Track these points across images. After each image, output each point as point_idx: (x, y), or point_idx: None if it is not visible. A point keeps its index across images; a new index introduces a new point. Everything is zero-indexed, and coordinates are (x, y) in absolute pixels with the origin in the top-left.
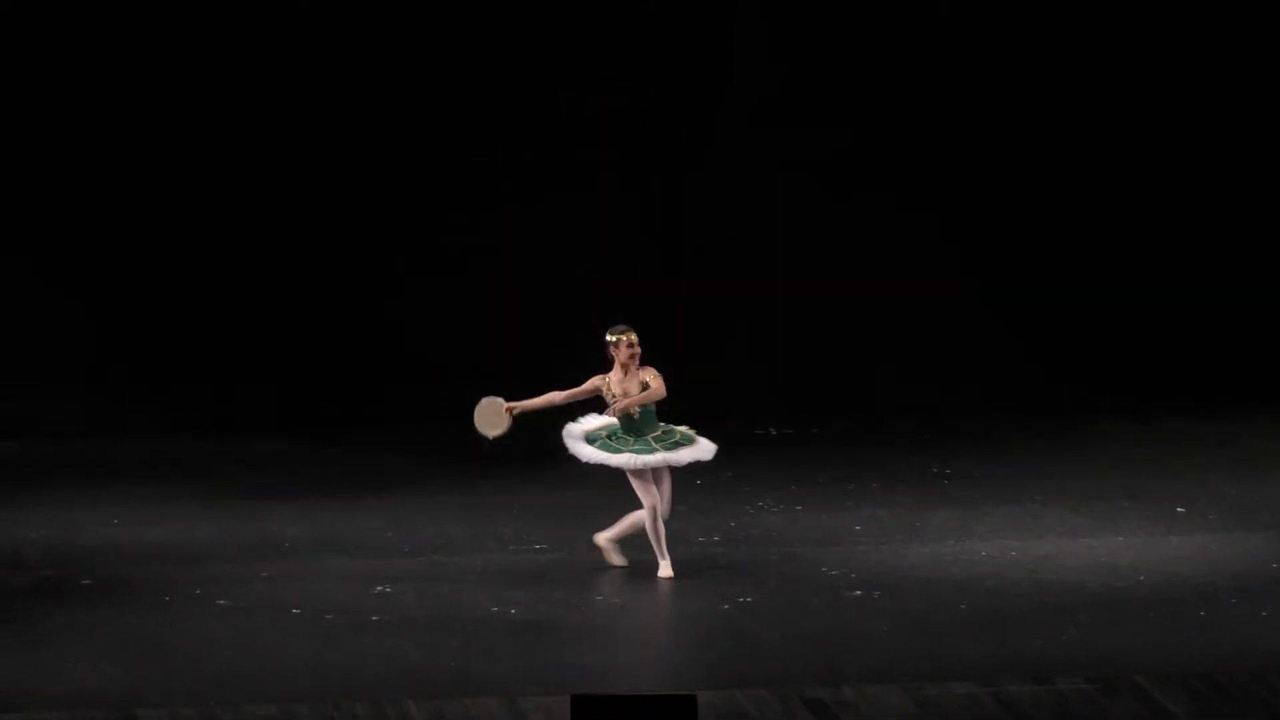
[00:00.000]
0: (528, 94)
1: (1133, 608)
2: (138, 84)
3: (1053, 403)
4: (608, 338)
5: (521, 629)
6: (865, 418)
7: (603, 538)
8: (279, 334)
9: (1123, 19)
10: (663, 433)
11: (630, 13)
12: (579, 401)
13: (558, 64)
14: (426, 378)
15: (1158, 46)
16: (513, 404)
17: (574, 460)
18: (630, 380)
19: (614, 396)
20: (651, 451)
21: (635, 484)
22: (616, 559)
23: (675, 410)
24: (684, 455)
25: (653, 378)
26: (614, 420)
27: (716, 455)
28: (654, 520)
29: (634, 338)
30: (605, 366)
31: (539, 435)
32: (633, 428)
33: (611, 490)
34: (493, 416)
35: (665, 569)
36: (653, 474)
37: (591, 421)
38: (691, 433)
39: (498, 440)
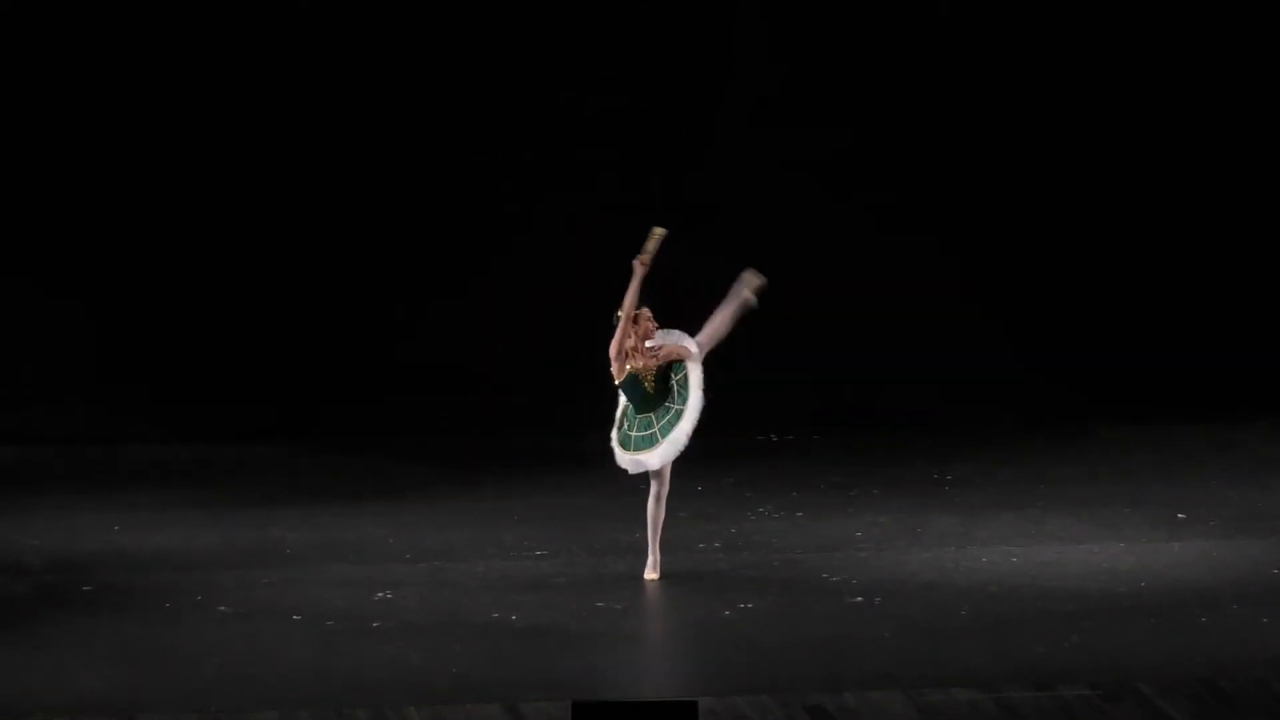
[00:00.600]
0: (528, 94)
1: (1135, 614)
2: (137, 89)
3: (1054, 408)
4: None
5: (523, 635)
6: (866, 423)
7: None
8: (280, 340)
9: (1122, 19)
10: (665, 411)
11: (630, 13)
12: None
13: (558, 64)
14: (427, 382)
15: (1158, 46)
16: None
17: (574, 465)
18: (649, 354)
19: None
20: (655, 444)
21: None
22: (652, 573)
23: None
24: (683, 428)
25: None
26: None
27: (717, 458)
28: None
29: (648, 311)
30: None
31: (539, 437)
32: (649, 403)
33: (614, 496)
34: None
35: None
36: None
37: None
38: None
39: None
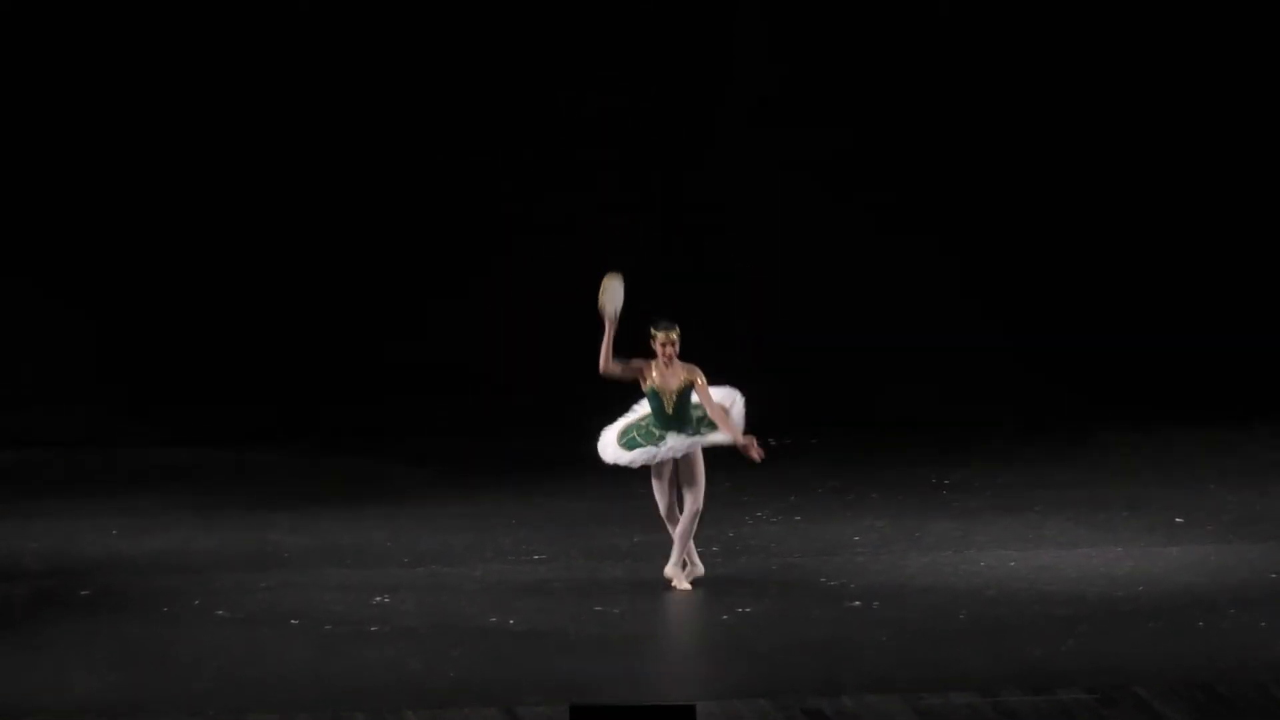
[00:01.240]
0: (528, 94)
1: (1133, 618)
2: (138, 90)
3: (1052, 413)
4: (651, 330)
5: (521, 638)
6: (864, 426)
7: (669, 568)
8: (278, 344)
9: (1123, 18)
10: (696, 420)
11: (630, 13)
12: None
13: (558, 64)
14: (427, 382)
15: (1157, 46)
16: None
17: (573, 468)
18: (671, 374)
19: (652, 384)
20: (694, 433)
21: (693, 472)
22: (683, 585)
23: None
24: (717, 436)
25: (694, 374)
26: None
27: (714, 462)
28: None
29: (673, 336)
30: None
31: (538, 440)
32: (668, 421)
33: (613, 500)
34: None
35: (682, 577)
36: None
37: (619, 423)
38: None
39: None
